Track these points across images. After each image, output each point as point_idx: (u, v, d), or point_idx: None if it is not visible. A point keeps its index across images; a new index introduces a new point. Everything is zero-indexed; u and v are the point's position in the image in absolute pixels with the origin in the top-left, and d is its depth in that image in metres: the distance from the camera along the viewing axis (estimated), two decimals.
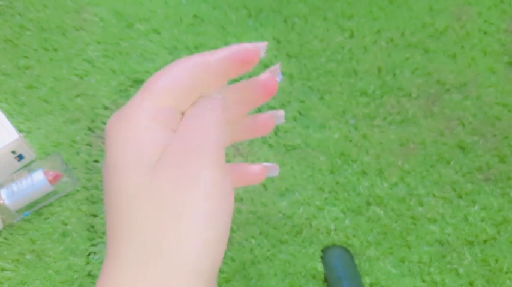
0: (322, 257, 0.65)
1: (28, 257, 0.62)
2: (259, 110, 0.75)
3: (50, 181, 0.62)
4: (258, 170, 0.25)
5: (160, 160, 0.20)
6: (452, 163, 0.72)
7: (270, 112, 0.25)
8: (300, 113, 0.74)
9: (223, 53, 0.21)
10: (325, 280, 0.63)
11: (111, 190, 0.20)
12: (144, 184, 0.19)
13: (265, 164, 0.26)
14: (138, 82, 0.74)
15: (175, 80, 0.21)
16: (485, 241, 0.67)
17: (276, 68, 0.24)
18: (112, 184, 0.20)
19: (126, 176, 0.19)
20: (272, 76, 0.23)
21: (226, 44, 0.78)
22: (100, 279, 0.19)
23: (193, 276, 0.19)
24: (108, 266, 0.19)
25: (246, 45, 0.22)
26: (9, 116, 0.69)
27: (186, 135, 0.20)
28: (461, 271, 0.65)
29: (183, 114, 0.22)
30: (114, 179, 0.20)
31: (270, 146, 0.71)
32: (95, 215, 0.65)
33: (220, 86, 0.22)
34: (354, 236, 0.66)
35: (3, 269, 0.62)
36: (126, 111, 0.20)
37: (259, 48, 0.22)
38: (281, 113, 0.25)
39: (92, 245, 0.64)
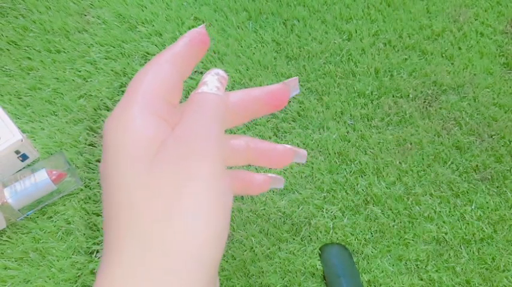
0: (320, 255, 0.65)
1: (31, 255, 0.63)
2: None
3: (53, 181, 0.62)
4: (262, 181, 0.24)
5: (158, 155, 0.20)
6: (449, 162, 0.73)
7: (291, 146, 0.24)
8: (298, 114, 0.75)
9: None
10: (324, 278, 0.64)
11: (109, 186, 0.20)
12: (142, 179, 0.19)
13: (270, 175, 0.25)
14: None
15: (160, 74, 0.21)
16: (482, 240, 0.68)
17: (293, 81, 0.22)
18: (110, 181, 0.20)
19: (123, 172, 0.19)
20: (284, 87, 0.22)
21: (227, 46, 0.79)
22: (98, 276, 0.19)
23: (193, 270, 0.18)
24: (107, 262, 0.19)
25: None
26: (13, 116, 0.70)
27: (185, 131, 0.20)
28: (458, 269, 0.66)
29: (174, 106, 0.22)
30: (111, 175, 0.20)
31: None
32: (97, 214, 0.66)
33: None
34: (352, 234, 0.67)
35: (6, 268, 0.62)
36: (119, 109, 0.21)
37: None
38: (303, 152, 0.24)
39: (94, 243, 0.64)
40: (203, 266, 0.19)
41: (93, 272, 0.63)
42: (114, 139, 0.20)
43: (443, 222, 0.69)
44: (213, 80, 0.22)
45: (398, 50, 0.81)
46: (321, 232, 0.67)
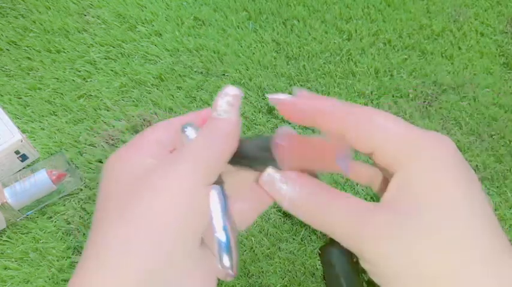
0: (320, 255, 0.65)
1: (31, 255, 0.63)
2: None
3: (53, 181, 0.62)
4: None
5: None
6: None
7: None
8: None
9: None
10: (324, 278, 0.64)
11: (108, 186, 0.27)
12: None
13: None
14: (140, 83, 0.75)
15: (158, 131, 0.27)
16: None
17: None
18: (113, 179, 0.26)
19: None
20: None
21: (227, 46, 0.79)
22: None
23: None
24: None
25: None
26: (13, 116, 0.70)
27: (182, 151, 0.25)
28: None
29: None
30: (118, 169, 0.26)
31: None
32: None
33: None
34: None
35: (6, 268, 0.62)
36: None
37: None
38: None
39: None
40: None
41: None
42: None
43: None
44: (222, 104, 0.23)
45: (398, 50, 0.81)
46: (321, 231, 0.67)
